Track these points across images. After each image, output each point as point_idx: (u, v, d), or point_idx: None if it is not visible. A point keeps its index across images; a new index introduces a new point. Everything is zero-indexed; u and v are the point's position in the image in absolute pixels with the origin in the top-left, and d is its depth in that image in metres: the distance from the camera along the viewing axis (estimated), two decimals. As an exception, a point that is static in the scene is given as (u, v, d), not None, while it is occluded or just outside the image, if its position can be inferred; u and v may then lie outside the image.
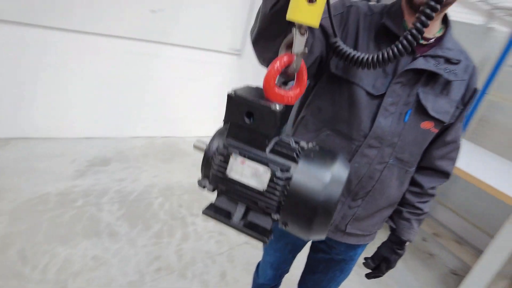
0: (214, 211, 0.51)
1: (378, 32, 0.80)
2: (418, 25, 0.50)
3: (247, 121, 0.47)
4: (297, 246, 1.16)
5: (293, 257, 1.22)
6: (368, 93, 0.81)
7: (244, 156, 0.48)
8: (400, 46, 0.52)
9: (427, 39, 0.80)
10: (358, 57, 0.57)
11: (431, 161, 0.95)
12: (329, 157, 0.48)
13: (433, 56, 0.78)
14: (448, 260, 2.62)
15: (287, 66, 0.47)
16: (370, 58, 0.56)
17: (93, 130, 2.99)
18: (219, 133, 0.54)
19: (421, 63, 0.78)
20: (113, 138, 3.09)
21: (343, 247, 1.06)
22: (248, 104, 0.46)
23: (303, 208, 0.45)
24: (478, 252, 2.69)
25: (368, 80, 0.80)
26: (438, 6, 0.48)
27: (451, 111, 0.85)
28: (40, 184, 2.28)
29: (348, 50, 0.63)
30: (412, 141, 0.86)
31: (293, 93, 0.49)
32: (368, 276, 1.13)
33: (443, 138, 0.91)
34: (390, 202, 0.96)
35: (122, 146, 3.01)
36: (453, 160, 0.98)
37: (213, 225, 2.29)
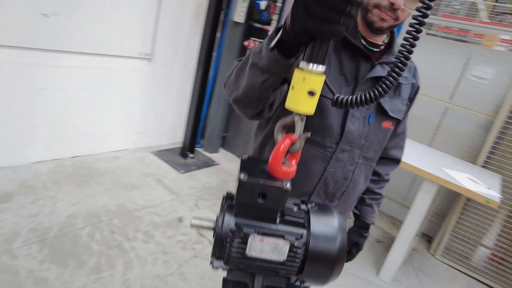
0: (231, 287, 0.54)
1: (336, 43, 0.86)
2: (394, 75, 0.50)
3: (260, 201, 0.49)
4: None
5: None
6: None
7: (263, 234, 0.50)
8: (384, 86, 0.52)
9: (378, 46, 0.90)
10: (346, 100, 0.57)
11: (386, 152, 1.08)
12: (328, 213, 0.54)
13: (387, 63, 0.89)
14: (372, 231, 3.01)
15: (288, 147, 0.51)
16: (358, 99, 0.56)
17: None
18: (224, 211, 0.53)
19: (379, 71, 0.87)
20: (10, 167, 2.57)
21: None
22: (261, 187, 0.48)
23: (323, 266, 0.51)
24: (395, 221, 3.16)
25: (334, 91, 0.86)
26: (411, 56, 0.49)
27: (403, 109, 0.98)
28: None
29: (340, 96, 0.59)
30: (376, 140, 0.96)
31: (293, 168, 0.52)
32: None
33: (395, 131, 1.05)
34: (359, 195, 1.08)
35: (24, 175, 2.53)
36: (402, 148, 1.15)
37: (155, 246, 2.14)
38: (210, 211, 2.68)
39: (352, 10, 0.42)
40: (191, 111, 3.42)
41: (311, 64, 0.46)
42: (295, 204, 0.54)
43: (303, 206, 0.54)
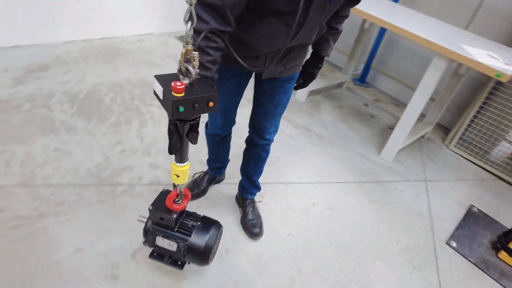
0: (154, 256, 1.19)
1: None
2: None
3: (161, 220, 1.09)
4: (240, 85, 1.27)
5: (238, 100, 1.34)
6: None
7: (163, 237, 1.09)
8: None
9: None
10: None
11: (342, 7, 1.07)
12: (205, 229, 1.12)
13: None
14: (387, 119, 2.99)
15: (176, 195, 1.12)
16: None
17: (20, 38, 2.72)
18: (149, 217, 1.12)
19: None
20: (44, 44, 2.84)
21: (284, 77, 1.22)
22: (160, 216, 1.07)
23: (195, 257, 1.11)
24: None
25: None
26: None
27: None
28: (-24, 95, 2.15)
29: None
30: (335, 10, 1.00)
31: (181, 206, 1.07)
32: (296, 88, 1.37)
33: None
34: (306, 46, 1.13)
35: (58, 51, 2.80)
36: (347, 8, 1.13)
37: (170, 112, 2.37)
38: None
39: None
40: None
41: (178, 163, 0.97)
42: (191, 221, 1.13)
43: (193, 223, 1.12)
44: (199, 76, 0.79)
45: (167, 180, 1.84)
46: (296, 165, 2.17)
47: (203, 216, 1.17)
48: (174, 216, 1.03)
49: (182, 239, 1.05)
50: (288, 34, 0.93)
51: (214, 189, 1.85)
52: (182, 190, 1.07)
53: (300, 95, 2.94)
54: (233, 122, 1.47)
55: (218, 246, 1.21)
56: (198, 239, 1.06)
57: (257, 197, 1.81)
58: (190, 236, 1.06)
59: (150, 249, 1.30)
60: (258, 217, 1.69)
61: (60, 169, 1.76)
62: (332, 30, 1.16)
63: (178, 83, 0.73)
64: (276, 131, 1.48)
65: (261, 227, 1.66)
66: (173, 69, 1.92)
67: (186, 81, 0.77)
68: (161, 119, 2.29)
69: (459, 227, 1.99)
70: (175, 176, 0.97)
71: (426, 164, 2.51)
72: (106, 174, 1.79)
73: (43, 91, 2.28)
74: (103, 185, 1.73)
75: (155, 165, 1.91)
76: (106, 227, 1.53)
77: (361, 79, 3.52)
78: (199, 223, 1.11)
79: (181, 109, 0.75)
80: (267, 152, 1.54)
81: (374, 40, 3.27)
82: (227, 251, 1.56)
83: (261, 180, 1.71)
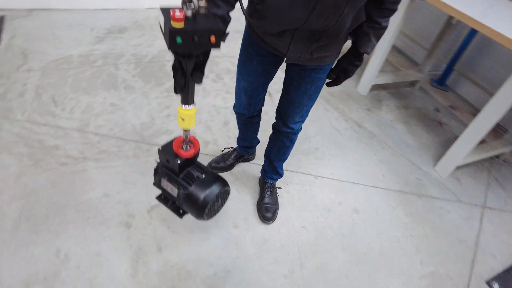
0: (161, 199, 1.14)
1: None
2: None
3: (167, 164, 1.02)
4: (266, 67, 1.24)
5: (265, 82, 1.31)
6: None
7: (167, 180, 1.04)
8: None
9: None
10: None
11: None
12: (207, 182, 1.01)
13: None
14: (457, 129, 2.62)
15: (182, 140, 1.04)
16: None
17: (110, 1, 3.04)
18: (160, 162, 1.08)
19: None
20: (129, 9, 3.13)
21: (311, 66, 1.14)
22: (166, 158, 1.02)
23: (192, 208, 1.01)
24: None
25: None
26: None
27: None
28: (64, 48, 2.49)
29: None
30: None
31: (188, 154, 1.00)
32: (327, 84, 1.24)
33: None
34: (349, 28, 1.00)
35: (138, 16, 3.06)
36: None
37: (221, 86, 2.44)
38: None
39: None
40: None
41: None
42: (198, 172, 1.04)
43: (199, 175, 1.03)
44: (206, 11, 0.75)
45: (202, 149, 1.92)
46: (333, 159, 2.07)
47: (212, 171, 1.07)
48: (178, 161, 0.97)
49: (184, 187, 0.99)
50: (307, 5, 0.86)
51: (240, 167, 1.88)
52: (188, 136, 1.00)
53: (362, 87, 2.73)
54: (260, 104, 1.44)
55: (221, 206, 1.10)
56: (198, 190, 0.98)
57: (279, 183, 1.78)
58: (191, 185, 0.99)
59: (164, 209, 1.40)
60: (274, 202, 1.67)
61: (111, 121, 1.97)
62: (373, 24, 1.02)
63: (178, 12, 0.68)
64: (302, 121, 1.41)
65: (274, 212, 1.64)
66: (236, 44, 1.96)
67: (189, 13, 0.71)
68: (211, 91, 2.37)
69: (511, 269, 1.69)
70: (181, 120, 0.93)
71: (491, 188, 2.15)
72: (147, 134, 1.94)
73: (115, 51, 2.54)
74: (142, 142, 1.88)
75: (192, 134, 2.01)
76: (133, 180, 1.68)
77: (440, 81, 3.11)
78: (204, 175, 1.02)
79: (179, 40, 0.70)
80: (291, 141, 1.49)
81: (463, 38, 2.83)
82: (236, 227, 1.58)
83: (290, 167, 1.69)
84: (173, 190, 1.02)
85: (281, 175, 1.68)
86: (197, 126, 2.07)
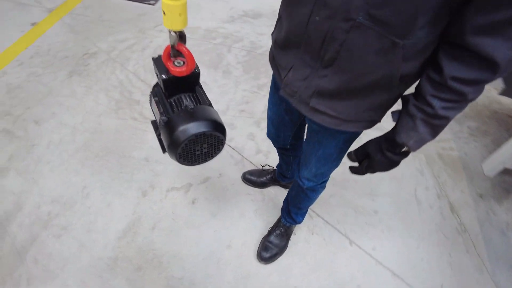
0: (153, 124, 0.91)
1: None
2: None
3: (159, 80, 0.79)
4: (292, 109, 1.03)
5: (291, 122, 1.11)
6: None
7: (155, 100, 0.81)
8: None
9: None
10: None
11: (462, 35, 0.57)
12: (193, 115, 0.74)
13: None
14: None
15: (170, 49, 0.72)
16: None
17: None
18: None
19: None
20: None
21: (316, 122, 0.87)
22: (156, 69, 0.77)
23: (166, 137, 0.76)
24: None
25: None
26: None
27: None
28: (198, 19, 2.76)
29: None
30: None
31: (179, 70, 0.73)
32: (350, 169, 0.93)
33: None
34: (371, 81, 0.68)
35: (277, 5, 3.07)
36: (509, 39, 0.54)
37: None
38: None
39: None
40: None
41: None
42: (191, 101, 0.80)
43: (189, 104, 0.79)
44: None
45: (250, 156, 1.85)
46: (388, 234, 1.66)
47: (209, 108, 0.80)
48: (164, 76, 0.75)
49: (167, 113, 0.77)
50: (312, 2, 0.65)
51: (275, 190, 1.73)
52: (177, 44, 0.72)
53: (489, 164, 2.04)
54: (288, 139, 1.24)
55: (209, 155, 0.82)
56: (175, 122, 0.74)
57: (299, 230, 1.57)
58: (173, 113, 0.78)
59: (180, 195, 1.44)
60: (280, 245, 1.48)
61: (193, 97, 2.11)
62: (424, 106, 0.67)
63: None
64: (315, 183, 1.15)
65: (274, 256, 1.46)
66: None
67: None
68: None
69: None
70: (163, 14, 0.68)
71: None
72: (214, 120, 2.00)
73: (238, 34, 2.65)
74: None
75: (251, 136, 1.95)
76: (173, 157, 1.78)
77: None
78: (192, 107, 0.78)
79: None
80: (306, 195, 1.26)
81: None
82: (229, 247, 1.50)
83: (328, 217, 1.47)
84: (156, 113, 0.83)
85: (295, 222, 1.46)
86: (257, 131, 1.99)
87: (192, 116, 0.74)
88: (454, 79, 0.61)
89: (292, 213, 1.41)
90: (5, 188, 1.55)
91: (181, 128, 0.72)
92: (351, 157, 0.91)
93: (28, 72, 2.08)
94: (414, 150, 0.75)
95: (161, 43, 2.44)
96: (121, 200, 1.58)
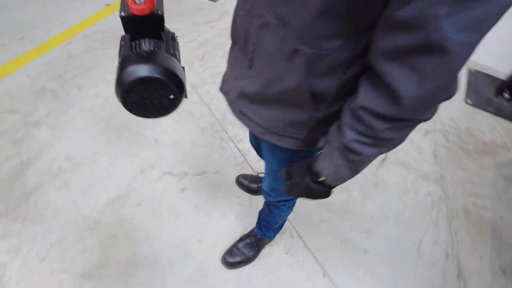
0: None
1: None
2: None
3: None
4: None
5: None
6: None
7: (121, 43, 0.72)
8: None
9: None
10: None
11: (372, 57, 0.51)
12: (141, 59, 0.67)
13: None
14: None
15: None
16: None
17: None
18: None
19: None
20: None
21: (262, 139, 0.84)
22: (121, 7, 0.70)
23: (117, 76, 0.67)
24: None
25: None
26: None
27: None
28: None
29: None
30: None
31: (138, 7, 0.66)
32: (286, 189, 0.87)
33: (391, 11, 0.45)
34: (283, 90, 0.63)
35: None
36: (417, 71, 0.46)
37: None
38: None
39: None
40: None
41: None
42: (154, 45, 0.71)
43: (149, 48, 0.71)
44: None
45: (254, 163, 1.84)
46: (371, 280, 1.51)
47: (169, 56, 0.72)
48: (122, 14, 0.70)
49: (124, 54, 0.71)
50: None
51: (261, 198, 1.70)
52: None
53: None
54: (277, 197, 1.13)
55: (162, 109, 0.72)
56: (127, 63, 0.69)
57: (273, 245, 1.52)
58: (130, 55, 0.71)
59: (173, 182, 1.53)
60: (247, 254, 1.46)
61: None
62: (338, 133, 0.59)
63: None
64: (271, 197, 1.09)
65: (238, 263, 1.45)
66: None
67: None
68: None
69: None
70: None
71: None
72: (230, 119, 2.04)
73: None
74: (222, 130, 2.01)
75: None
76: (186, 146, 1.86)
77: None
78: (148, 50, 0.71)
79: None
80: (271, 212, 1.22)
81: None
82: (199, 241, 1.52)
83: (313, 246, 1.45)
84: (119, 55, 0.75)
85: (266, 236, 1.42)
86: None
87: (145, 59, 0.68)
88: (363, 108, 0.53)
89: (262, 226, 1.38)
90: (36, 138, 1.80)
91: (130, 69, 0.66)
92: (282, 174, 0.85)
93: (87, 45, 2.38)
94: (332, 183, 0.68)
95: (208, 38, 2.57)
96: (121, 172, 1.71)
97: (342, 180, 0.67)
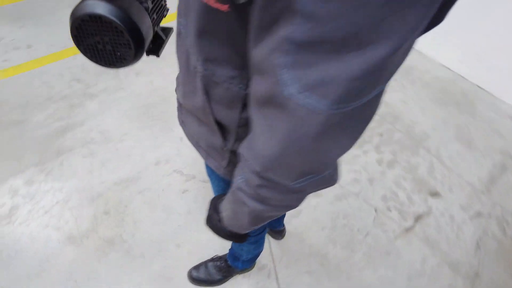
0: None
1: None
2: None
3: None
4: None
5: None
6: None
7: None
8: None
9: None
10: None
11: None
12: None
13: None
14: None
15: None
16: None
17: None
18: None
19: None
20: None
21: None
22: None
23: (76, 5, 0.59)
24: None
25: None
26: None
27: None
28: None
29: None
30: (193, 23, 0.45)
31: None
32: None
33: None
34: (195, 108, 0.58)
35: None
36: (268, 124, 0.39)
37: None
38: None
39: None
40: None
41: None
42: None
43: None
44: None
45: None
46: None
47: (139, 4, 0.61)
48: None
49: None
50: None
51: (257, 228, 1.62)
52: None
53: None
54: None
55: (109, 52, 0.64)
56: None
57: (246, 277, 1.43)
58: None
59: (178, 180, 1.59)
60: (213, 276, 1.40)
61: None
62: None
63: None
64: None
65: (200, 282, 1.41)
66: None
67: None
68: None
69: None
70: None
71: None
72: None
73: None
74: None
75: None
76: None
77: None
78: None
79: None
80: (234, 243, 1.15)
81: None
82: (178, 246, 1.52)
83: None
84: None
85: (233, 265, 1.34)
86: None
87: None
88: (242, 155, 0.47)
89: (230, 254, 1.32)
90: (85, 107, 2.03)
91: (84, 3, 0.58)
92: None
93: (160, 38, 2.61)
94: (230, 227, 0.61)
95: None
96: (139, 158, 1.82)
97: (241, 228, 0.60)
